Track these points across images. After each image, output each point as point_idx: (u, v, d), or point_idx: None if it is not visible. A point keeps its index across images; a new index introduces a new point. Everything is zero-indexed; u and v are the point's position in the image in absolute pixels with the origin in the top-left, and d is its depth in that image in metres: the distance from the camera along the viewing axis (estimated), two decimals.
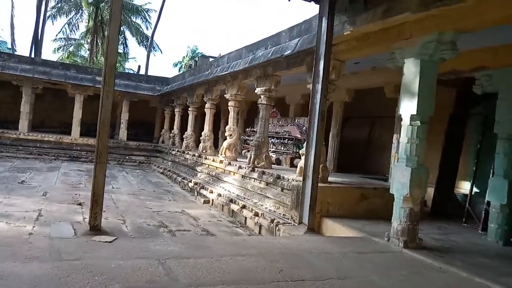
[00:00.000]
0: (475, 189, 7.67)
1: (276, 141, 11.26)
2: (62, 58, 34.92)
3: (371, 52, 6.12)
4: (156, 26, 31.12)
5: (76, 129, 16.95)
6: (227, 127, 11.04)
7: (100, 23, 31.05)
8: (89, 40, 38.54)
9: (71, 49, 38.13)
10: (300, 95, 11.47)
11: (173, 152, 15.73)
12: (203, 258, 3.72)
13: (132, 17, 32.87)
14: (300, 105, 11.86)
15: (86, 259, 3.31)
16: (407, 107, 5.01)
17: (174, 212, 8.78)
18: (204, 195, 10.43)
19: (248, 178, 9.14)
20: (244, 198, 8.60)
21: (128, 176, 13.94)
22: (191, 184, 11.70)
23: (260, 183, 8.61)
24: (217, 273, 3.34)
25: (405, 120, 5.07)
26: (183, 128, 17.16)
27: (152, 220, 7.83)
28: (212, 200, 10.00)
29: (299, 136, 10.51)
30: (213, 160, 11.61)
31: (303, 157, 7.13)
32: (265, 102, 9.02)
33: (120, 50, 40.00)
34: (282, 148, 10.87)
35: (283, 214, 7.11)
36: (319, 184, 6.66)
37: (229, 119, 11.06)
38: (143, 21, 33.01)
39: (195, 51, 46.20)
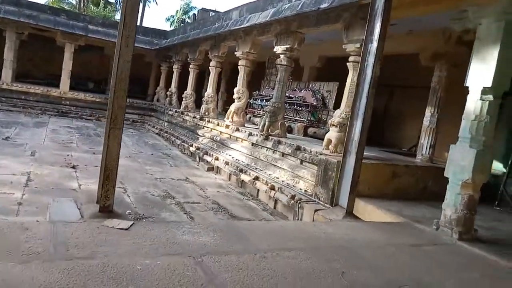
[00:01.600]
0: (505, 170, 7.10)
1: (288, 107, 10.39)
2: (47, 3, 32.43)
3: (428, 10, 5.20)
4: None
5: (65, 82, 15.68)
6: (235, 89, 10.09)
7: None
8: None
9: None
10: (317, 57, 10.49)
11: (170, 113, 14.75)
12: (244, 254, 2.98)
13: None
14: (316, 68, 10.89)
15: (103, 256, 2.52)
16: (479, 78, 4.19)
17: (178, 180, 8.01)
18: (208, 161, 9.64)
19: (259, 146, 8.35)
20: (256, 168, 7.85)
21: (122, 136, 12.96)
22: (192, 149, 10.87)
23: (274, 153, 7.84)
24: (270, 279, 2.60)
25: (474, 93, 4.27)
26: (180, 86, 16.08)
27: (155, 188, 7.05)
28: (218, 167, 9.23)
29: (314, 103, 9.67)
30: (218, 124, 10.73)
31: (332, 128, 6.35)
32: (285, 63, 8.06)
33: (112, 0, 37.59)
34: (295, 116, 10.03)
35: (304, 190, 6.40)
36: (341, 159, 5.93)
37: (239, 80, 10.08)
38: None
39: (188, 4, 43.75)
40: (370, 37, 4.56)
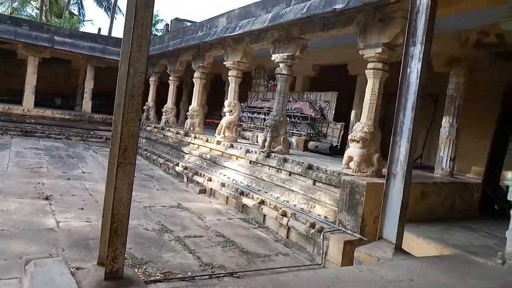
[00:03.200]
0: None
1: None
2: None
3: (474, 5, 4.59)
4: None
5: (29, 98, 14.22)
6: (226, 102, 9.23)
7: None
8: None
9: (15, 4, 33.40)
10: (311, 66, 9.81)
11: (148, 128, 13.64)
12: None
13: None
14: (309, 77, 10.22)
15: None
16: None
17: (170, 207, 7.01)
18: (199, 183, 8.68)
19: (260, 165, 7.51)
20: (259, 190, 6.99)
21: (97, 156, 11.77)
22: (178, 168, 9.87)
23: (279, 172, 7.02)
24: None
25: None
26: (158, 100, 15.01)
27: (148, 220, 6.04)
28: (212, 189, 8.29)
29: (313, 114, 8.97)
30: (207, 140, 9.80)
31: (353, 144, 5.61)
32: (285, 72, 7.31)
33: (75, 11, 35.88)
34: (292, 129, 9.28)
35: (324, 217, 5.60)
36: (374, 180, 5.22)
37: (229, 91, 9.24)
38: None
39: (155, 17, 42.53)
40: (413, 39, 3.88)
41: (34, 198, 6.42)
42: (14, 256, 4.12)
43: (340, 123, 8.63)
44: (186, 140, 10.85)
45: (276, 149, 7.34)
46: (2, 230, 4.83)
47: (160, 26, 42.96)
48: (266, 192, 6.85)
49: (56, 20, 32.45)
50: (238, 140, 9.41)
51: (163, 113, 12.73)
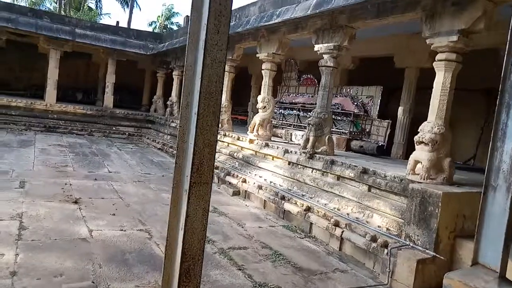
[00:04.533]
0: None
1: None
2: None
3: None
4: None
5: (51, 93, 13.87)
6: (260, 97, 8.63)
7: None
8: None
9: (32, 0, 33.29)
10: (350, 58, 9.10)
11: (173, 125, 13.13)
12: None
13: None
14: (348, 71, 9.52)
15: None
16: None
17: None
18: (232, 184, 8.13)
19: (302, 167, 6.90)
20: (303, 195, 6.39)
21: (122, 153, 11.33)
22: None
23: (325, 175, 6.40)
24: None
25: None
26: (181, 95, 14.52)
27: None
28: (246, 192, 7.73)
29: (356, 110, 8.29)
30: (238, 139, 9.23)
31: (421, 147, 4.95)
32: (331, 64, 6.65)
33: (92, 4, 35.65)
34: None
35: (386, 229, 4.97)
36: (448, 189, 4.57)
37: (263, 86, 8.63)
38: None
39: (171, 9, 42.03)
40: None
41: (62, 202, 5.96)
42: (48, 274, 3.64)
43: (387, 120, 7.93)
44: None
45: (320, 150, 6.72)
46: (33, 240, 4.35)
47: (175, 19, 42.53)
48: (311, 198, 6.24)
49: (75, 12, 32.27)
50: (271, 139, 8.82)
51: None
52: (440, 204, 4.31)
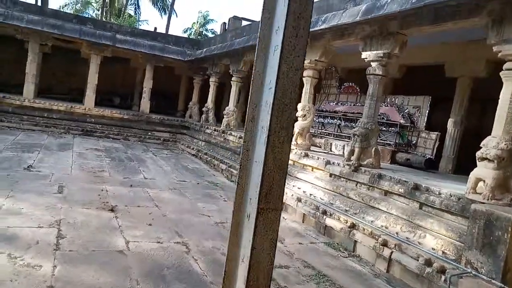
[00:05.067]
0: None
1: None
2: None
3: None
4: None
5: (90, 97, 14.17)
6: (299, 105, 8.31)
7: None
8: None
9: (77, 6, 34.72)
10: (396, 66, 8.62)
11: (208, 131, 13.05)
12: None
13: None
14: (393, 79, 9.04)
15: None
16: None
17: None
18: None
19: (345, 180, 6.52)
20: (346, 211, 6.01)
21: (157, 159, 11.32)
22: None
23: (371, 190, 6.00)
24: None
25: None
26: (217, 101, 14.44)
27: (223, 242, 5.25)
28: (284, 203, 7.41)
29: (402, 121, 7.82)
30: None
31: (484, 164, 4.48)
32: (380, 73, 6.28)
33: (131, 11, 36.67)
34: None
35: (442, 252, 4.52)
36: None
37: (304, 93, 8.31)
38: None
39: (206, 17, 42.47)
40: None
41: (99, 209, 5.88)
42: None
43: (435, 132, 7.42)
44: None
45: (365, 162, 6.32)
46: (71, 251, 4.24)
47: (210, 26, 43.03)
48: (355, 214, 5.85)
49: (115, 20, 33.28)
50: (310, 148, 8.48)
51: (224, 116, 12.07)
52: (510, 229, 3.84)
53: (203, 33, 40.86)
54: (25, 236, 4.43)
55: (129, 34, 14.80)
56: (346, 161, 6.52)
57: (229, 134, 11.49)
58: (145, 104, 15.17)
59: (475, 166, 4.61)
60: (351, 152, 6.46)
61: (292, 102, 1.55)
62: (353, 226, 5.64)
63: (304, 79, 8.37)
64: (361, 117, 8.84)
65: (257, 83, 1.72)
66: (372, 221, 5.54)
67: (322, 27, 7.06)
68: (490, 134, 4.62)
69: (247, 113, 1.74)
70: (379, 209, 5.64)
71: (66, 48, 14.88)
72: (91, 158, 9.87)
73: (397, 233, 5.12)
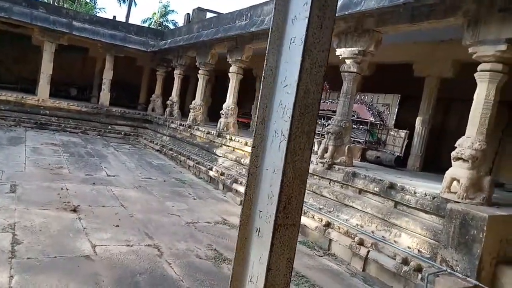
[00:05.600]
0: None
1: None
2: None
3: None
4: None
5: (44, 87, 13.20)
6: None
7: None
8: None
9: None
10: (366, 64, 8.68)
11: (173, 126, 12.61)
12: None
13: None
14: (363, 77, 9.08)
15: None
16: None
17: (215, 224, 6.00)
18: (239, 192, 7.66)
19: (318, 178, 6.48)
20: (320, 209, 5.97)
21: (119, 154, 10.76)
22: (212, 173, 8.86)
23: (344, 188, 5.98)
24: None
25: None
26: (181, 95, 13.99)
27: (196, 243, 5.03)
28: None
29: (372, 119, 7.90)
30: (246, 144, 8.76)
31: (459, 163, 4.56)
32: (354, 70, 6.26)
33: None
34: None
35: (418, 250, 4.56)
36: (492, 212, 4.19)
37: None
38: None
39: (167, 7, 41.31)
40: None
41: (60, 210, 5.42)
42: None
43: (404, 131, 7.56)
44: (218, 141, 9.82)
45: (338, 160, 6.30)
46: (29, 258, 3.83)
47: (171, 17, 41.89)
48: (330, 212, 5.81)
49: (69, 6, 31.42)
50: None
51: (191, 110, 11.70)
52: (485, 228, 3.92)
53: (164, 24, 39.70)
54: None
55: (87, 21, 13.93)
56: (320, 158, 6.46)
57: (196, 129, 11.15)
58: (104, 96, 14.40)
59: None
60: (325, 150, 6.41)
61: (315, 103, 1.37)
62: (328, 225, 5.59)
63: None
64: (331, 114, 8.92)
65: (269, 80, 1.52)
66: (347, 220, 5.52)
67: None
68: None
69: (256, 115, 1.53)
70: (354, 207, 5.63)
71: (15, 33, 13.75)
72: (47, 153, 9.18)
73: (372, 232, 5.12)
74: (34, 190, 6.11)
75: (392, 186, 5.23)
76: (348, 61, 6.35)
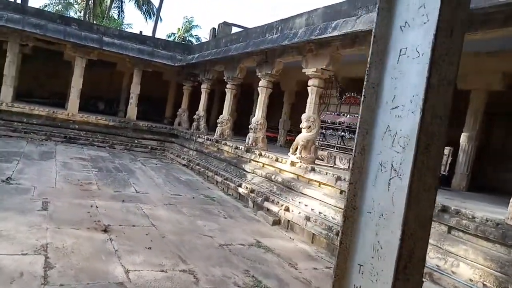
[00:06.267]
0: None
1: (349, 137, 8.19)
2: None
3: None
4: None
5: (74, 102, 13.35)
6: (304, 116, 7.89)
7: None
8: (80, 0, 34.07)
9: (59, 7, 33.50)
10: None
11: (200, 140, 12.45)
12: None
13: None
14: None
15: None
16: None
17: (250, 246, 5.68)
18: (270, 211, 7.34)
19: None
20: None
21: (147, 169, 10.64)
22: (242, 190, 8.57)
23: None
24: None
25: None
26: (208, 109, 13.86)
27: (232, 268, 4.72)
28: (289, 222, 6.92)
29: None
30: (277, 160, 8.45)
31: None
32: None
33: (115, 14, 35.70)
34: None
35: (483, 284, 4.10)
36: None
37: (308, 104, 7.91)
38: None
39: (191, 22, 41.93)
40: None
41: (91, 229, 5.23)
42: None
43: (448, 147, 7.08)
44: (247, 157, 9.55)
45: None
46: (62, 285, 3.60)
47: (195, 32, 42.40)
48: None
49: (99, 23, 32.29)
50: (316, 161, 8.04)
51: (218, 124, 11.51)
52: None
53: (187, 39, 40.33)
54: (7, 267, 3.77)
55: (116, 36, 14.10)
56: None
57: (223, 144, 10.94)
58: (132, 110, 14.44)
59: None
60: None
61: (443, 130, 1.06)
62: None
63: (309, 88, 7.97)
64: (354, 128, 8.53)
65: (370, 101, 1.23)
66: None
67: (333, 34, 6.65)
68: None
69: (355, 143, 1.23)
70: None
71: (48, 50, 14.04)
72: (77, 168, 9.13)
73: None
74: (65, 208, 5.97)
75: (445, 209, 4.80)
76: None
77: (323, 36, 6.82)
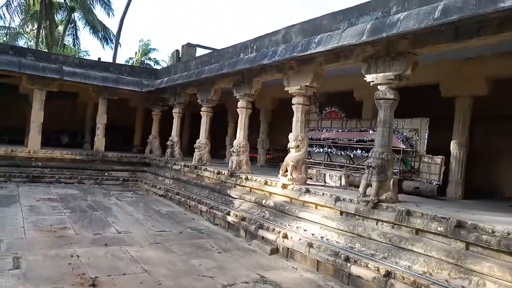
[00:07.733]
0: None
1: (359, 154, 8.02)
2: None
3: None
4: (126, 12, 26.05)
5: (35, 138, 12.32)
6: (291, 135, 7.59)
7: (49, 5, 25.48)
8: (29, 29, 32.55)
9: (5, 38, 31.72)
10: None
11: (176, 167, 11.85)
12: None
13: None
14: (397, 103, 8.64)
15: None
16: None
17: (255, 283, 5.22)
18: (267, 239, 6.91)
19: (362, 218, 5.80)
20: (373, 255, 5.25)
21: (123, 204, 9.89)
22: (231, 218, 8.09)
23: (397, 229, 5.31)
24: None
25: None
26: (179, 133, 13.30)
27: None
28: (289, 250, 6.50)
29: (402, 146, 7.35)
30: (266, 183, 8.06)
31: None
32: (391, 97, 5.76)
33: (69, 42, 34.36)
34: None
35: None
36: None
37: (295, 123, 7.63)
38: (103, 6, 27.77)
39: (148, 45, 41.25)
40: None
41: (76, 286, 4.57)
42: None
43: (439, 156, 7.01)
44: (231, 181, 9.09)
45: (384, 197, 5.65)
46: None
47: (153, 55, 41.68)
48: (385, 258, 5.10)
49: (55, 51, 30.89)
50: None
51: (196, 149, 10.99)
52: None
53: (145, 62, 39.56)
54: None
55: (77, 65, 13.31)
56: (362, 196, 5.80)
57: (204, 170, 10.41)
58: (99, 141, 13.59)
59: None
60: (366, 187, 5.77)
61: None
62: (388, 274, 4.86)
63: (294, 107, 7.70)
64: (353, 144, 8.37)
65: None
66: (409, 267, 4.81)
67: (318, 50, 6.44)
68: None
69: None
70: (414, 251, 4.94)
71: (0, 84, 12.99)
72: (46, 211, 8.27)
73: (446, 280, 4.43)
74: (40, 262, 5.24)
75: (460, 224, 4.59)
76: (382, 88, 5.84)
77: (307, 52, 6.60)
